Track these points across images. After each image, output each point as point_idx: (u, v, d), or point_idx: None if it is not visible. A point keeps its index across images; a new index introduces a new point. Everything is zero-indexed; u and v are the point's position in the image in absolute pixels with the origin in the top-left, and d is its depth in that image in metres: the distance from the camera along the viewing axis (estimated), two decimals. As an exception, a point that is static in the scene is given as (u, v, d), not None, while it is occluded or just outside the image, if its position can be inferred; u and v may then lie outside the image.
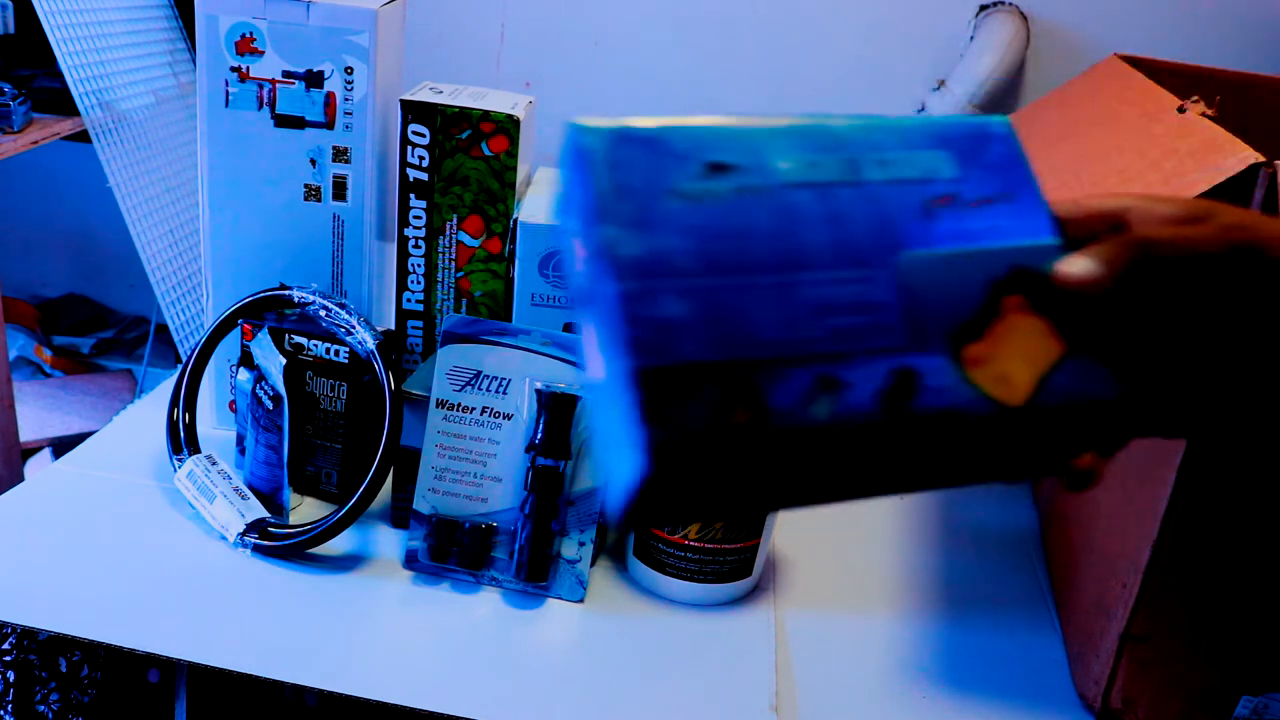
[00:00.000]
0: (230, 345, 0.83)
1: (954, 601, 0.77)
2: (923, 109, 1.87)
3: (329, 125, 0.79)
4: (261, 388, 0.77)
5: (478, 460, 0.73)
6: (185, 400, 0.79)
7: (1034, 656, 0.72)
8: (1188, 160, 0.58)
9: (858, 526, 0.86)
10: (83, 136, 1.59)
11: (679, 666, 0.68)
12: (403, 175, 0.79)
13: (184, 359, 0.82)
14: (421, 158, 0.79)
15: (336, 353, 0.77)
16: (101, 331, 2.28)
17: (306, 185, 0.80)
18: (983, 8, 1.88)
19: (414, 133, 0.78)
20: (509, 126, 0.78)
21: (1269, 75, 0.88)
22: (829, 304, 0.36)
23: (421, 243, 0.81)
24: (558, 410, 0.70)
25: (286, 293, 0.78)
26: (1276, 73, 0.90)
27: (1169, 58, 0.89)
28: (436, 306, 0.83)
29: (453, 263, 0.81)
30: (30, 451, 1.77)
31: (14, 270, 2.30)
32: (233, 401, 0.87)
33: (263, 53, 0.77)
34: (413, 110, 0.78)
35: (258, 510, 0.74)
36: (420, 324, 0.84)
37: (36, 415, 1.87)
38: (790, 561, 0.80)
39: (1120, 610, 0.63)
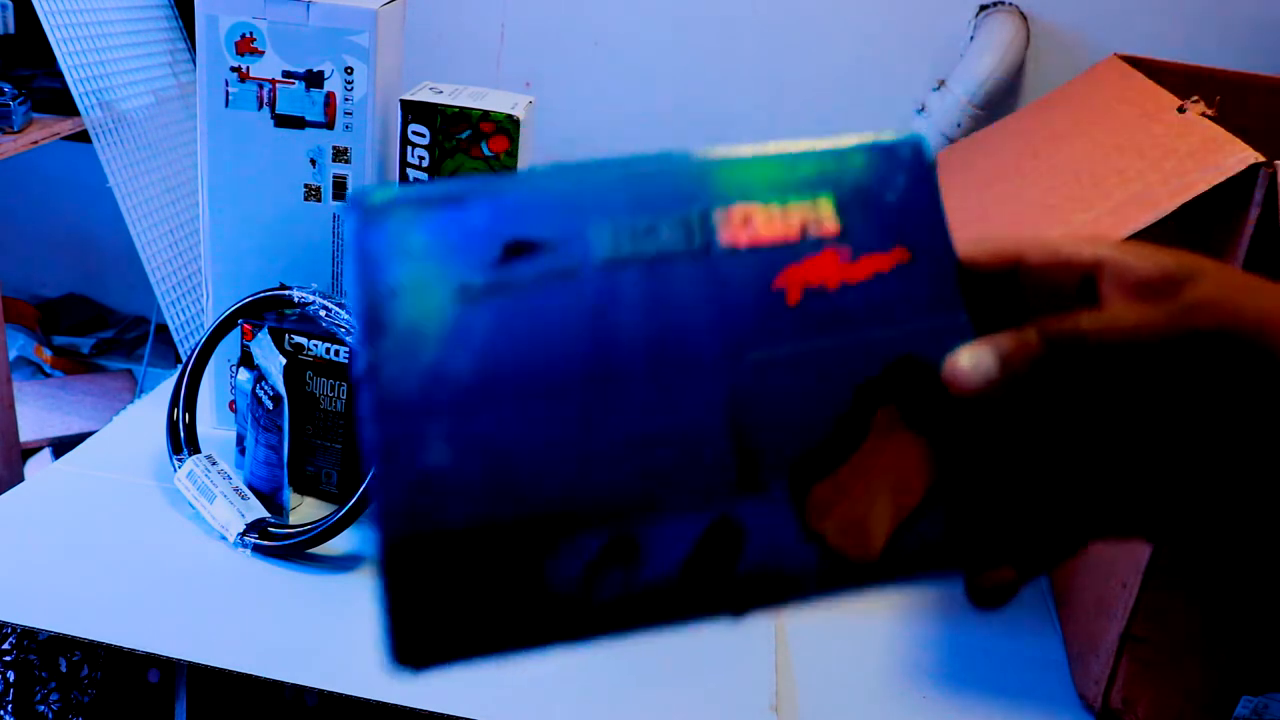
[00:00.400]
0: (230, 345, 0.83)
1: (954, 602, 0.77)
2: (923, 109, 1.87)
3: (329, 125, 0.79)
4: (261, 388, 0.77)
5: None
6: (185, 400, 0.79)
7: (1034, 656, 0.72)
8: (1188, 160, 0.58)
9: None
10: (83, 136, 1.59)
11: (679, 666, 0.68)
12: (403, 175, 0.79)
13: (184, 359, 0.82)
14: (421, 158, 0.79)
15: (336, 353, 0.77)
16: (101, 331, 2.28)
17: (306, 185, 0.80)
18: (983, 8, 1.88)
19: (414, 133, 0.78)
20: (509, 126, 0.78)
21: (1269, 75, 0.88)
22: (636, 435, 0.28)
23: (421, 243, 0.81)
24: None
25: (286, 293, 0.78)
26: (1276, 73, 0.90)
27: (1169, 58, 0.89)
28: (436, 306, 0.83)
29: (453, 263, 0.81)
30: (30, 451, 1.77)
31: (14, 270, 2.30)
32: (233, 401, 0.87)
33: (263, 53, 0.77)
34: (413, 110, 0.78)
35: (258, 510, 0.74)
36: (420, 324, 0.84)
37: (36, 415, 1.86)
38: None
39: (1120, 610, 0.63)
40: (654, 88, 2.00)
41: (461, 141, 0.78)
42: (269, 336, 0.77)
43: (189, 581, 0.70)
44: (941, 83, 1.86)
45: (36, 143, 1.59)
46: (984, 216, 0.76)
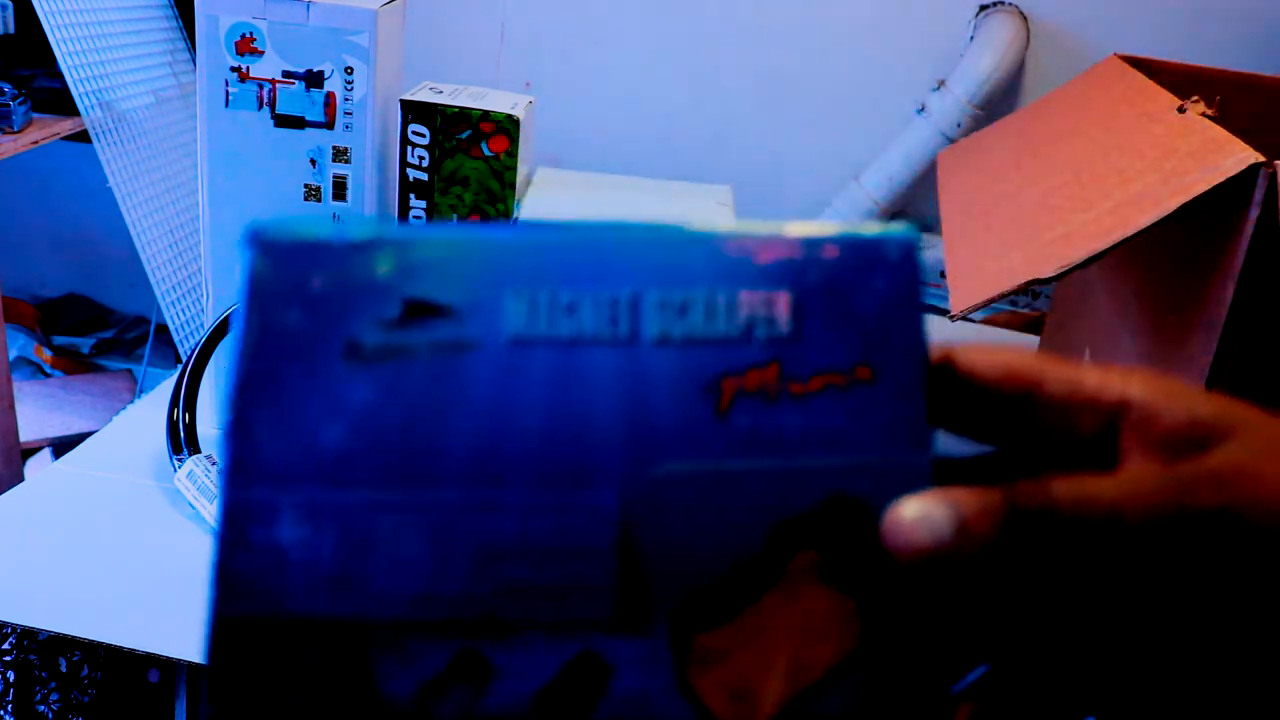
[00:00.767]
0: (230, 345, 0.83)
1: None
2: (923, 109, 1.87)
3: (329, 125, 0.79)
4: (261, 388, 0.77)
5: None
6: (185, 400, 0.79)
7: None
8: (1188, 160, 0.58)
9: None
10: (83, 136, 1.59)
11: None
12: (403, 175, 0.79)
13: (184, 359, 0.82)
14: (421, 158, 0.79)
15: (336, 353, 0.77)
16: (101, 331, 2.29)
17: (306, 185, 0.80)
18: (983, 8, 1.88)
19: (414, 133, 0.78)
20: (509, 126, 0.78)
21: (1269, 75, 0.88)
22: (507, 545, 0.25)
23: (421, 243, 0.81)
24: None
25: (286, 293, 0.78)
26: (1276, 73, 0.90)
27: (1169, 58, 0.89)
28: (436, 306, 0.83)
29: (453, 263, 0.82)
30: (30, 451, 1.77)
31: (14, 270, 2.30)
32: (233, 401, 0.87)
33: (263, 53, 0.77)
34: (413, 110, 0.78)
35: (258, 510, 0.74)
36: (420, 324, 0.84)
37: (36, 415, 1.87)
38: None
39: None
40: (654, 88, 2.00)
41: (461, 141, 0.78)
42: (269, 336, 0.77)
43: (189, 581, 0.70)
44: (941, 83, 1.86)
45: (36, 143, 1.60)
46: (984, 216, 0.76)
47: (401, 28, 0.84)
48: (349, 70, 0.77)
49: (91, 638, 0.63)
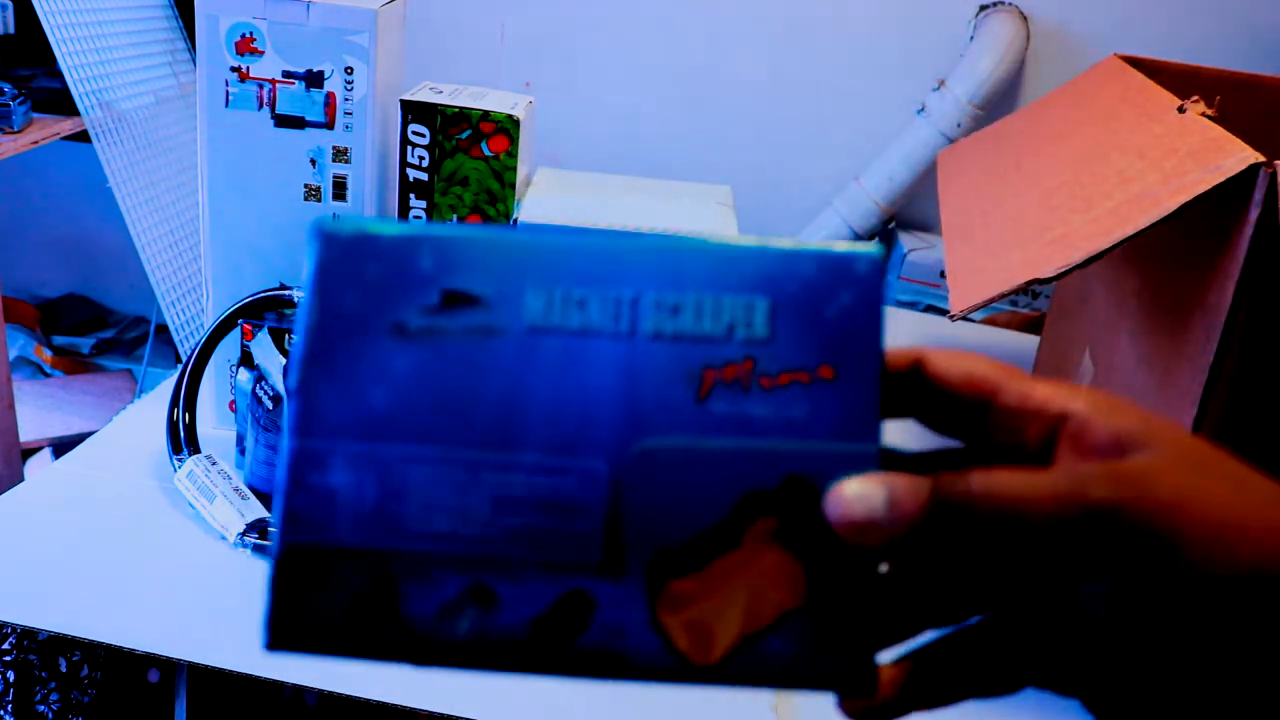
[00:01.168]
0: (230, 345, 0.83)
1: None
2: (923, 109, 1.87)
3: (329, 125, 0.79)
4: (261, 388, 0.77)
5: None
6: (185, 400, 0.79)
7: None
8: (1188, 160, 0.58)
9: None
10: (83, 136, 1.59)
11: (679, 666, 0.68)
12: (403, 175, 0.79)
13: (184, 359, 0.82)
14: (421, 158, 0.79)
15: (336, 353, 0.77)
16: (101, 331, 2.29)
17: (306, 185, 0.80)
18: (983, 8, 1.88)
19: (414, 133, 0.78)
20: (509, 126, 0.78)
21: (1269, 75, 0.88)
22: (517, 497, 0.30)
23: (421, 243, 0.81)
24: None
25: (286, 293, 0.78)
26: (1276, 73, 0.90)
27: (1169, 58, 0.89)
28: (436, 306, 0.83)
29: (453, 263, 0.81)
30: (30, 451, 1.77)
31: (14, 270, 2.30)
32: (233, 401, 0.87)
33: (263, 53, 0.77)
34: (413, 110, 0.78)
35: (258, 510, 0.74)
36: (420, 324, 0.84)
37: (36, 415, 1.87)
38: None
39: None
40: (654, 88, 2.00)
41: (461, 141, 0.78)
42: (269, 336, 0.77)
43: (189, 581, 0.70)
44: (941, 83, 1.86)
45: (37, 143, 1.60)
46: (984, 216, 0.76)
47: (401, 28, 0.84)
48: (349, 70, 0.77)
49: (91, 638, 0.64)
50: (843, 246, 0.31)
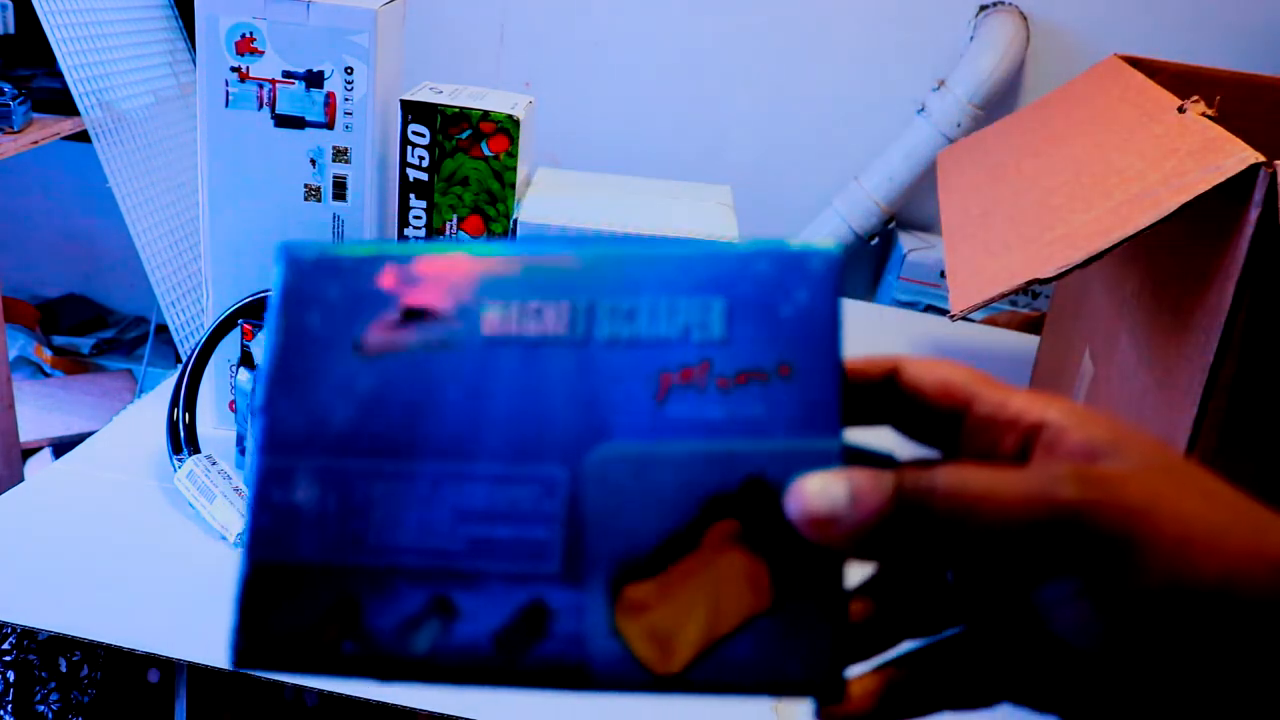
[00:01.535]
0: (230, 345, 0.83)
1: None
2: (923, 109, 1.87)
3: (329, 125, 0.79)
4: (261, 388, 0.77)
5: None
6: (185, 400, 0.79)
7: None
8: (1188, 160, 0.58)
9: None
10: (83, 136, 1.59)
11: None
12: (403, 175, 0.79)
13: (184, 359, 0.82)
14: (421, 158, 0.79)
15: (336, 353, 0.77)
16: (101, 331, 2.29)
17: (306, 185, 0.80)
18: (983, 8, 1.88)
19: (414, 133, 0.78)
20: (509, 126, 0.78)
21: (1269, 75, 0.88)
22: (477, 508, 0.30)
23: (421, 243, 0.81)
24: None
25: (286, 293, 0.78)
26: (1276, 73, 0.90)
27: (1169, 58, 0.89)
28: (436, 306, 0.83)
29: (453, 263, 0.81)
30: (30, 451, 1.77)
31: (14, 270, 2.30)
32: (233, 401, 0.87)
33: (263, 53, 0.77)
34: (413, 110, 0.78)
35: (258, 510, 0.74)
36: (420, 324, 0.84)
37: (36, 415, 1.87)
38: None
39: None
40: (653, 88, 2.00)
41: (461, 141, 0.78)
42: (269, 336, 0.77)
43: (189, 581, 0.70)
44: (941, 83, 1.86)
45: (37, 143, 1.59)
46: (984, 217, 0.76)
47: (401, 28, 0.84)
48: (349, 70, 0.77)
49: (91, 638, 0.64)
50: (799, 243, 0.31)
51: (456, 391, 0.30)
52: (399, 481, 0.30)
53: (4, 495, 0.77)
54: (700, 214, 0.85)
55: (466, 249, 0.32)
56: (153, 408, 0.88)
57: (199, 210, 0.82)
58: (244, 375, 0.78)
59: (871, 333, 1.14)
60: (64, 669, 0.73)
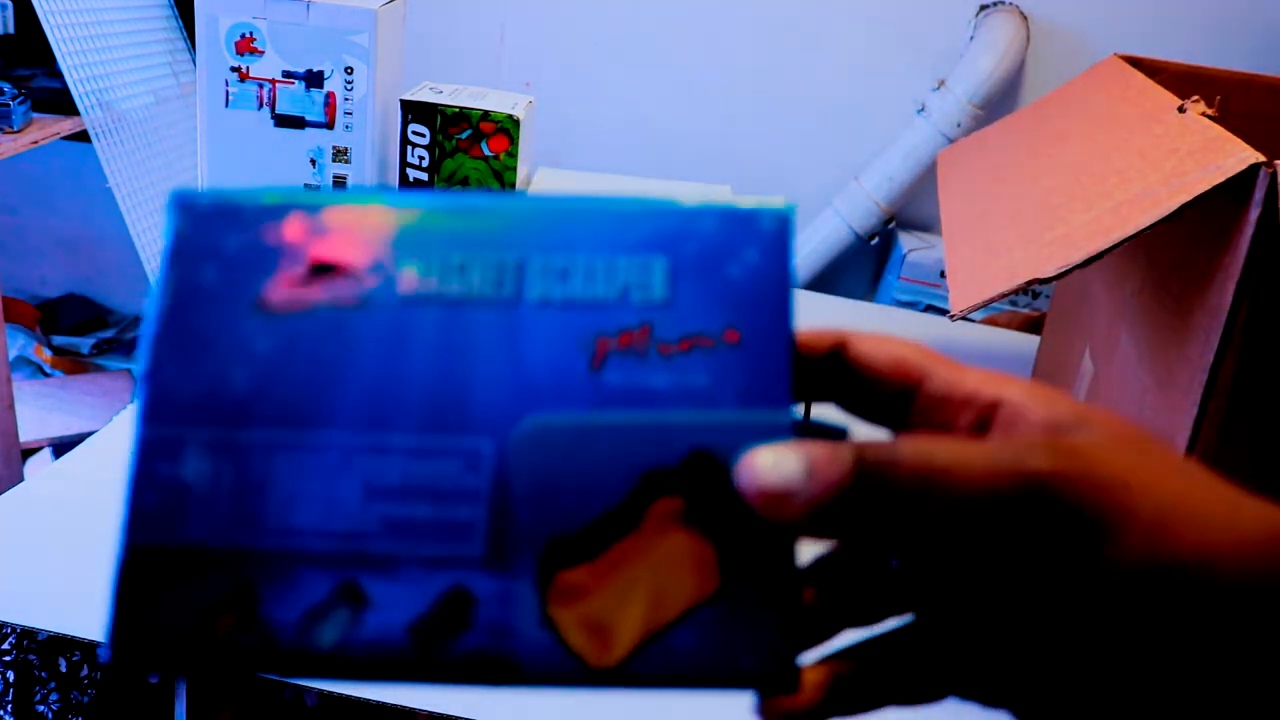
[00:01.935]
0: (230, 345, 0.83)
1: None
2: (923, 109, 1.87)
3: (329, 125, 0.79)
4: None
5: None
6: (185, 400, 0.79)
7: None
8: (1188, 160, 0.58)
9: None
10: (83, 136, 1.59)
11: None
12: (403, 175, 0.79)
13: (184, 359, 0.82)
14: (421, 158, 0.79)
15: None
16: (101, 331, 2.29)
17: (307, 185, 0.80)
18: (983, 8, 1.88)
19: (414, 133, 0.78)
20: (509, 126, 0.78)
21: (1269, 75, 0.88)
22: (391, 484, 0.27)
23: (421, 243, 0.81)
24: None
25: (286, 293, 0.78)
26: (1276, 73, 0.90)
27: (1169, 58, 0.89)
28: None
29: (453, 263, 0.82)
30: (30, 452, 1.77)
31: (14, 270, 2.30)
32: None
33: (263, 53, 0.77)
34: (413, 110, 0.78)
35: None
36: (420, 324, 0.84)
37: (36, 415, 1.87)
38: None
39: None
40: (654, 88, 2.00)
41: (461, 141, 0.78)
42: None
43: (189, 581, 0.70)
44: (941, 83, 1.86)
45: (36, 143, 1.60)
46: (984, 217, 0.76)
47: (401, 28, 0.84)
48: (349, 70, 0.77)
49: (91, 638, 0.64)
50: (749, 202, 0.28)
51: (369, 355, 0.27)
52: (303, 454, 0.27)
53: (4, 495, 0.77)
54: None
55: (382, 199, 0.29)
56: (153, 408, 0.88)
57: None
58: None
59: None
60: (64, 669, 0.73)
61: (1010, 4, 1.87)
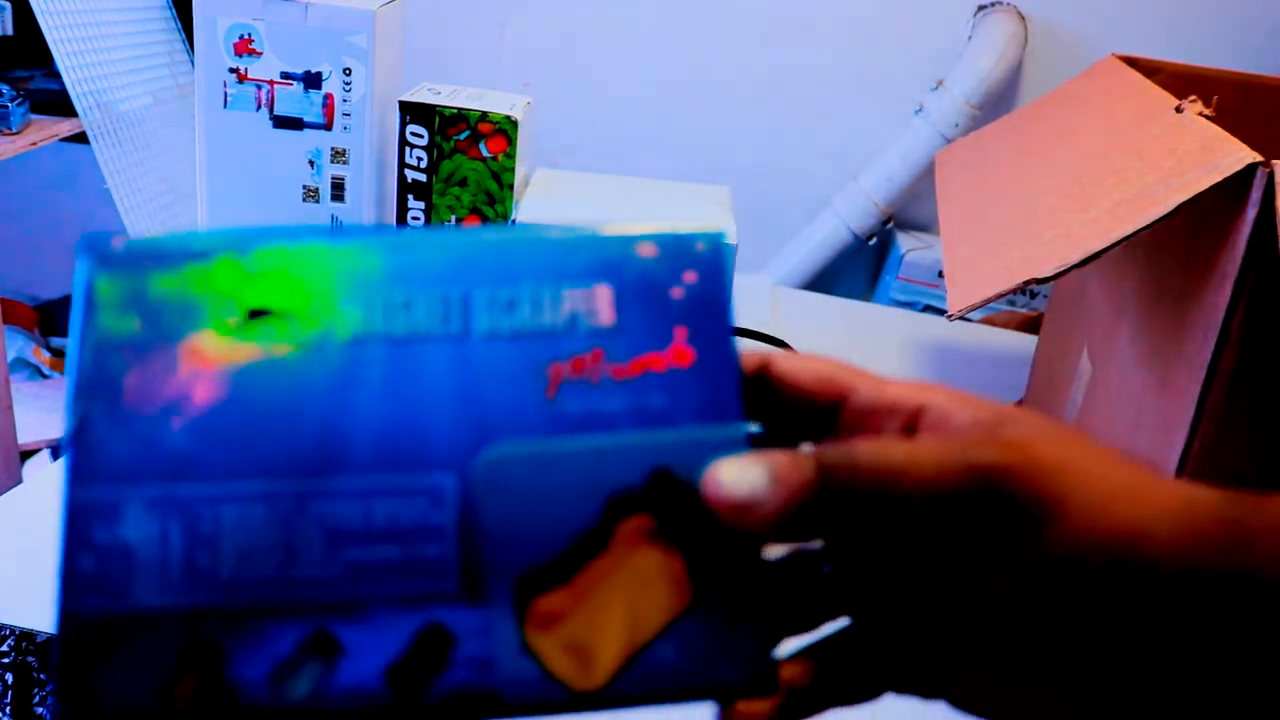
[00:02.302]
0: (229, 346, 0.83)
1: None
2: (921, 109, 1.87)
3: (327, 126, 0.79)
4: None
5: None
6: (184, 401, 0.79)
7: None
8: (1185, 160, 0.58)
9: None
10: (81, 138, 1.59)
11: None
12: (401, 176, 0.79)
13: (183, 360, 0.82)
14: (420, 159, 0.79)
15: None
16: (100, 333, 2.28)
17: (305, 186, 0.80)
18: (981, 8, 1.88)
19: (412, 134, 0.78)
20: (507, 127, 0.78)
21: (1267, 75, 0.88)
22: (351, 528, 0.26)
23: (420, 243, 0.81)
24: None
25: (285, 294, 0.78)
26: (1275, 73, 0.90)
27: (1168, 58, 0.89)
28: (435, 307, 0.83)
29: (451, 263, 0.82)
30: (29, 453, 1.77)
31: (13, 272, 2.30)
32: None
33: (261, 54, 0.77)
34: (411, 111, 0.78)
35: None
36: (419, 325, 0.84)
37: (35, 417, 1.86)
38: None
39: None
40: (653, 88, 2.00)
41: (460, 142, 0.78)
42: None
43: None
44: (940, 83, 1.86)
45: (35, 144, 1.60)
46: (982, 217, 0.76)
47: (400, 28, 0.84)
48: (347, 71, 0.77)
49: (90, 639, 0.64)
50: (686, 227, 0.29)
51: (316, 399, 0.27)
52: (255, 504, 0.26)
53: (3, 497, 0.77)
54: (699, 215, 0.85)
55: (316, 239, 0.28)
56: (151, 409, 0.88)
57: (197, 212, 0.82)
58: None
59: (870, 333, 1.14)
60: (63, 670, 0.73)
61: (1008, 4, 1.87)
